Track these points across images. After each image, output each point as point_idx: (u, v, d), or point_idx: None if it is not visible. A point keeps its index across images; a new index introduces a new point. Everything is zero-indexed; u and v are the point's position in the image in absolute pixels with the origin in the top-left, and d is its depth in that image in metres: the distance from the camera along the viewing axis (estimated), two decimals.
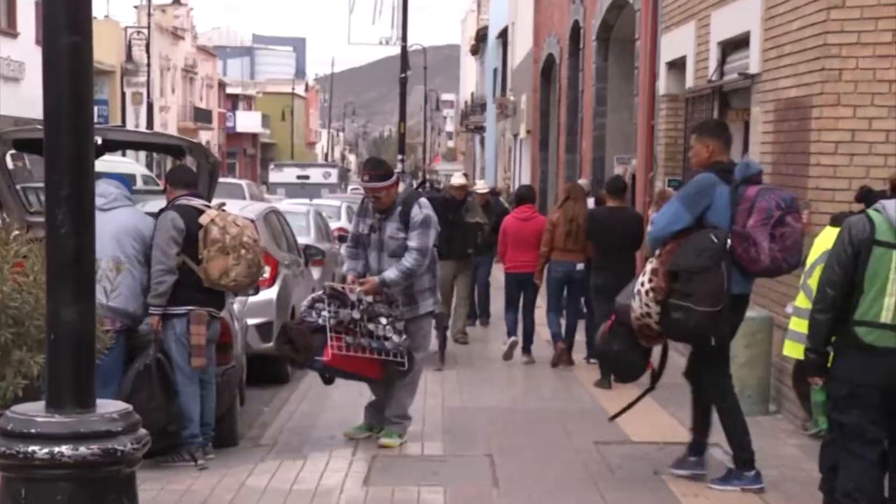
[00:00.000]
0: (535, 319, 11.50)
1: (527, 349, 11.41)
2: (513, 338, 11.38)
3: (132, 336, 7.13)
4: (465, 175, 15.59)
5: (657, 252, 6.53)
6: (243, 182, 27.16)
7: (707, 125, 7.12)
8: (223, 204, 7.45)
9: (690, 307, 6.34)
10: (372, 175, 7.67)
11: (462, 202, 12.18)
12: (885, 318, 5.34)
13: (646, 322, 6.47)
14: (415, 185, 12.16)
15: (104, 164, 12.96)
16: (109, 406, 3.31)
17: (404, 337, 7.49)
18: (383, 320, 7.41)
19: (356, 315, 7.36)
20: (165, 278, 7.01)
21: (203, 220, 7.03)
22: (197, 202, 7.19)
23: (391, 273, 7.49)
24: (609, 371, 7.11)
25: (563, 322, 11.19)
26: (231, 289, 7.19)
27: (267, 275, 9.86)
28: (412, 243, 7.54)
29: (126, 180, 7.88)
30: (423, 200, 7.77)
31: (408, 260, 7.50)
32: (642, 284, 6.44)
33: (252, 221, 8.31)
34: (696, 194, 6.48)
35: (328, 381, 7.93)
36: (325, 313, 7.38)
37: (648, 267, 6.49)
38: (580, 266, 10.86)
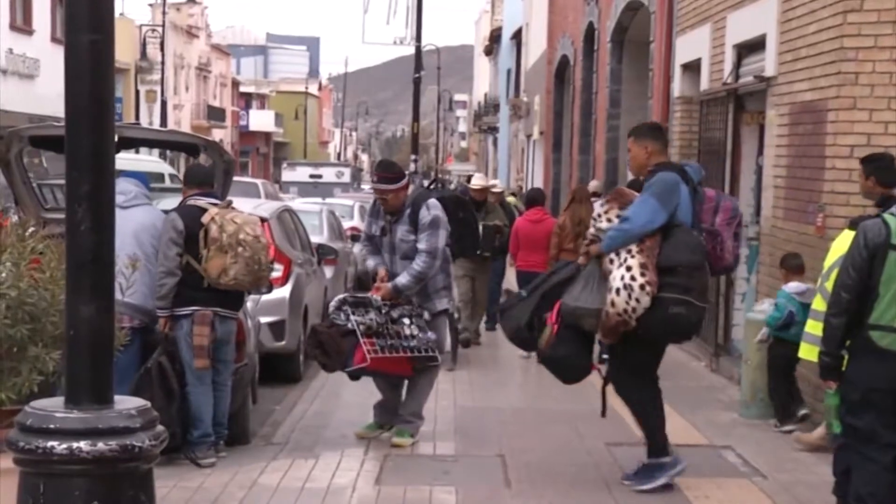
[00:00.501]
0: None
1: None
2: None
3: (149, 335, 7.15)
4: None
5: (633, 248, 6.37)
6: (258, 181, 27.21)
7: (644, 128, 7.08)
8: (230, 202, 7.44)
9: (693, 302, 6.40)
10: (381, 177, 7.72)
11: (482, 203, 12.23)
12: None
13: (625, 318, 6.36)
14: (426, 185, 11.97)
15: (133, 162, 13.03)
16: (127, 402, 3.33)
17: (430, 332, 7.58)
18: (406, 320, 7.52)
19: (381, 319, 7.46)
20: (166, 280, 7.02)
21: (205, 219, 7.02)
22: (204, 201, 7.17)
23: (403, 278, 7.58)
24: (555, 374, 7.01)
25: None
26: (232, 287, 7.08)
27: (280, 273, 9.89)
28: (421, 245, 7.56)
29: (145, 178, 7.88)
30: (432, 201, 7.76)
31: (418, 263, 7.54)
32: (633, 279, 6.32)
33: (265, 220, 8.34)
34: (669, 192, 6.49)
35: (356, 378, 7.93)
36: (353, 318, 7.46)
37: (634, 262, 6.34)
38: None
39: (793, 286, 8.32)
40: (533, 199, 12.81)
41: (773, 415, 8.49)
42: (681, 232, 6.49)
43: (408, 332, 7.51)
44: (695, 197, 6.63)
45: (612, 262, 6.44)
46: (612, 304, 6.35)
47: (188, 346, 7.06)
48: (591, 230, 6.65)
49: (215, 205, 7.15)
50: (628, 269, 6.37)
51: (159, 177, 14.33)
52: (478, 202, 12.24)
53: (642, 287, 6.32)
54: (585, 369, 6.93)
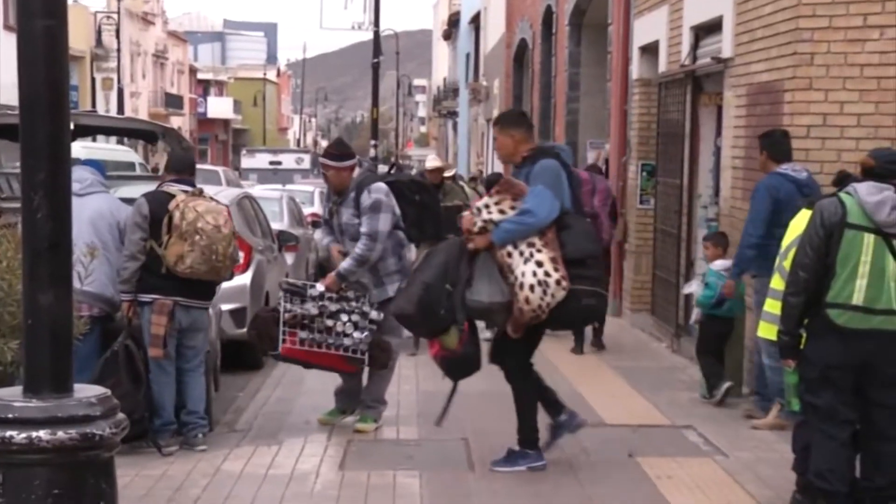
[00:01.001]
0: None
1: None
2: None
3: (109, 323, 7.10)
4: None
5: (536, 242, 6.34)
6: (220, 168, 27.06)
7: (507, 116, 7.13)
8: (201, 190, 7.39)
9: (601, 292, 6.53)
10: (327, 152, 7.83)
11: (438, 185, 11.91)
12: (857, 300, 5.40)
13: (539, 314, 6.33)
14: (387, 170, 11.84)
15: (101, 152, 13.00)
16: (87, 391, 3.30)
17: (366, 333, 7.46)
18: (344, 317, 7.42)
19: (314, 311, 7.38)
20: (128, 264, 6.99)
21: (171, 205, 6.98)
22: (176, 188, 7.13)
23: (345, 263, 7.55)
24: (458, 373, 7.04)
25: None
26: (189, 276, 6.99)
27: (241, 261, 9.85)
28: (363, 228, 7.55)
29: (101, 166, 7.79)
30: (375, 185, 7.65)
31: (358, 247, 7.52)
32: (547, 275, 6.26)
33: (225, 207, 8.27)
34: (557, 180, 6.51)
35: (308, 366, 7.92)
36: (284, 304, 7.44)
37: (544, 257, 6.30)
38: None
39: (719, 263, 8.55)
40: (492, 182, 12.94)
41: (702, 388, 8.68)
42: (575, 221, 6.54)
43: (340, 328, 7.41)
44: (571, 181, 6.67)
45: (510, 255, 6.35)
46: (527, 300, 6.28)
47: (148, 334, 7.03)
48: (479, 221, 6.45)
49: (186, 192, 7.09)
50: (539, 264, 6.30)
51: (130, 166, 14.29)
52: (434, 184, 12.05)
53: (558, 282, 6.30)
54: (479, 364, 6.94)
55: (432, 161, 13.18)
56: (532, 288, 6.27)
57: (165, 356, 7.03)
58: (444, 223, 11.45)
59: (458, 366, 6.85)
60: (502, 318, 6.50)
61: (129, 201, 8.12)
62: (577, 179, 6.80)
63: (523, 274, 6.29)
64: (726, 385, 8.47)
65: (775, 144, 7.90)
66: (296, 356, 7.56)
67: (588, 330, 10.98)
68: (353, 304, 7.49)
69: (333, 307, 7.43)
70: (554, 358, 10.68)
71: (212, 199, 7.27)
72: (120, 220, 7.16)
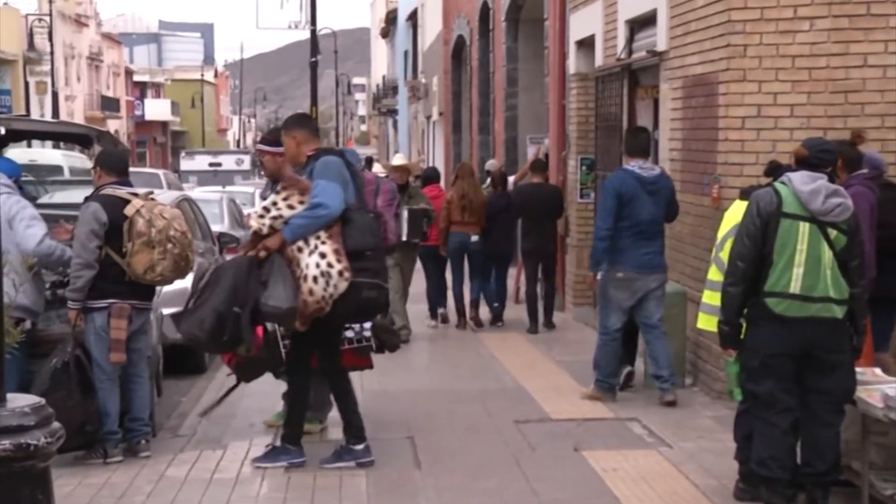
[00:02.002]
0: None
1: (434, 314, 12.51)
2: (441, 309, 12.52)
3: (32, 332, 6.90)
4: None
5: (322, 234, 6.45)
6: (160, 171, 26.74)
7: (290, 120, 7.23)
8: (151, 192, 7.26)
9: (381, 284, 6.68)
10: (263, 138, 7.77)
11: (403, 187, 11.25)
12: (794, 288, 5.46)
13: (323, 305, 6.40)
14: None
15: (35, 155, 12.76)
16: (21, 400, 3.25)
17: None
18: None
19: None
20: (83, 273, 6.78)
21: (128, 210, 6.81)
22: (123, 191, 6.96)
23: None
24: (252, 376, 7.20)
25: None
26: (157, 283, 6.99)
27: None
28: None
29: (11, 167, 7.55)
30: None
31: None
32: (330, 266, 6.37)
33: None
34: (340, 175, 6.66)
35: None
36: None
37: (327, 248, 6.40)
38: (475, 238, 12.01)
39: None
40: (429, 177, 13.50)
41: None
42: (358, 215, 6.68)
43: None
44: (355, 181, 6.83)
45: (300, 249, 6.44)
46: (311, 292, 6.37)
47: (100, 341, 6.85)
48: (267, 221, 6.51)
49: (135, 195, 6.94)
50: (322, 255, 6.41)
51: (57, 169, 14.04)
52: (398, 186, 11.05)
53: (340, 273, 6.40)
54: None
55: (398, 159, 12.55)
56: (315, 279, 6.38)
57: (140, 358, 6.98)
58: (409, 226, 10.86)
59: (248, 368, 7.06)
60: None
61: (66, 206, 7.97)
62: (362, 178, 6.98)
63: (307, 266, 6.41)
64: (627, 370, 8.82)
65: (629, 140, 8.68)
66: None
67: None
68: None
69: None
70: (499, 354, 10.72)
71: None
72: (10, 220, 6.76)
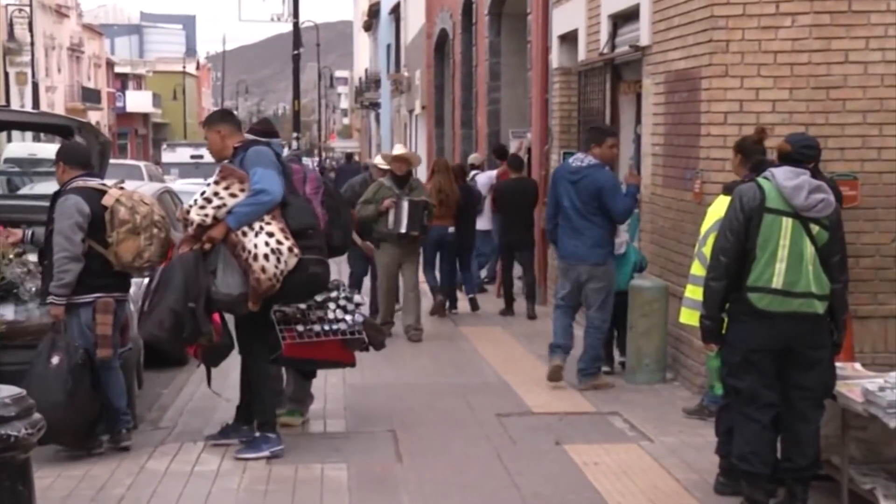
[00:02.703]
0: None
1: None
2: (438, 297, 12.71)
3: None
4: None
5: (265, 216, 6.64)
6: (141, 163, 26.63)
7: (213, 115, 7.43)
8: (121, 182, 7.21)
9: (324, 260, 6.93)
10: (252, 128, 7.71)
11: (404, 179, 10.98)
12: (777, 283, 5.48)
13: (274, 283, 6.58)
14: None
15: (35, 149, 12.69)
16: (1, 391, 3.23)
17: (357, 315, 7.39)
18: (332, 305, 7.32)
19: (301, 305, 7.23)
20: (70, 267, 6.68)
21: (107, 201, 6.75)
22: (95, 182, 6.92)
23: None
24: (214, 363, 7.41)
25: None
26: (145, 269, 6.96)
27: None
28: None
29: None
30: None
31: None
32: (279, 243, 6.57)
33: None
34: (272, 162, 6.82)
35: (309, 366, 7.73)
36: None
37: (274, 228, 6.60)
38: (451, 230, 12.25)
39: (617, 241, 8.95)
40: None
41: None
42: (293, 198, 6.91)
43: (332, 315, 7.30)
44: (284, 169, 6.97)
45: (244, 234, 6.60)
46: (263, 269, 6.55)
47: (84, 336, 6.79)
48: (210, 211, 6.60)
49: (106, 186, 6.89)
50: (270, 234, 6.62)
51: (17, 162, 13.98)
52: (398, 177, 10.98)
53: (290, 249, 6.63)
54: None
55: (398, 149, 11.87)
56: (266, 257, 6.56)
57: (114, 351, 6.89)
58: (408, 219, 10.64)
59: (213, 354, 7.25)
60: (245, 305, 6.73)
61: (41, 197, 7.92)
62: (289, 167, 7.14)
63: (255, 246, 6.57)
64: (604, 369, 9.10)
65: (591, 131, 9.26)
66: (298, 354, 7.34)
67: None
68: (336, 292, 7.41)
69: (319, 298, 7.31)
70: (480, 348, 10.73)
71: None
72: None
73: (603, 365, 9.00)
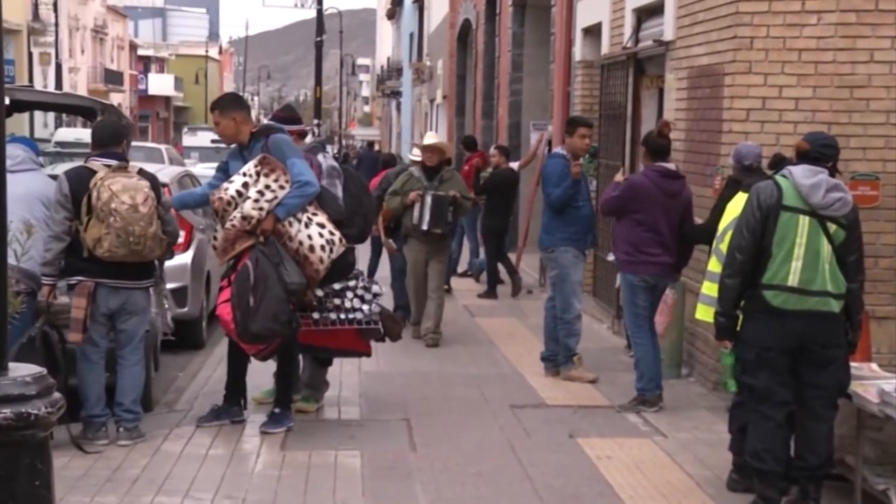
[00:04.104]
0: None
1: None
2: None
3: (35, 301, 6.83)
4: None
5: (309, 206, 6.87)
6: (163, 147, 26.70)
7: (226, 100, 7.41)
8: (125, 164, 6.82)
9: (353, 248, 7.30)
10: (275, 115, 7.93)
11: (435, 170, 10.26)
12: (793, 281, 5.47)
13: (324, 272, 6.84)
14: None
15: (81, 133, 12.80)
16: (23, 370, 3.26)
17: (374, 305, 7.38)
18: (349, 294, 7.33)
19: (319, 293, 7.22)
20: (51, 245, 6.60)
21: (92, 183, 6.55)
22: (99, 163, 6.69)
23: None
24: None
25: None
26: (108, 259, 6.57)
27: (182, 239, 9.75)
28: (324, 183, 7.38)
29: (34, 144, 7.57)
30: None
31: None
32: (332, 234, 6.83)
33: (165, 185, 8.15)
34: (299, 150, 7.07)
35: (325, 353, 7.74)
36: None
37: (322, 219, 6.83)
38: None
39: None
40: (386, 162, 14.84)
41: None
42: (323, 189, 7.04)
43: (349, 305, 7.30)
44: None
45: (290, 224, 6.77)
46: (321, 260, 6.78)
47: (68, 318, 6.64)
48: (265, 205, 6.68)
49: (109, 166, 6.64)
50: (321, 226, 6.84)
51: None
52: (429, 168, 10.28)
53: (340, 240, 6.89)
54: None
55: (430, 137, 10.87)
56: (323, 248, 6.80)
57: (85, 342, 6.62)
58: (430, 215, 9.99)
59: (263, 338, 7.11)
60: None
61: None
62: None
63: (310, 237, 6.78)
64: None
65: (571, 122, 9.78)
66: (313, 341, 7.35)
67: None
68: (354, 281, 7.41)
69: (337, 286, 7.32)
70: (496, 339, 10.74)
71: (140, 172, 6.79)
72: (50, 198, 6.75)
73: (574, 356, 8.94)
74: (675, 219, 7.85)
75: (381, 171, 12.95)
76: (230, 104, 7.18)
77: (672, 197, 7.85)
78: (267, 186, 6.67)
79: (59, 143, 19.04)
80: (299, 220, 6.78)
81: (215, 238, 7.07)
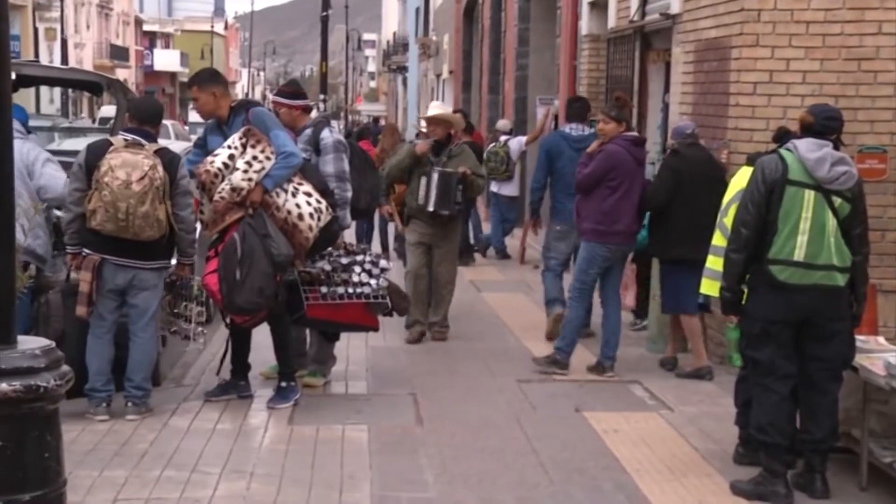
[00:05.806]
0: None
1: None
2: None
3: (38, 277, 6.83)
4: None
5: (295, 176, 6.91)
6: (168, 122, 26.74)
7: (204, 75, 7.37)
8: (138, 140, 6.73)
9: (338, 217, 7.24)
10: (280, 90, 8.04)
11: (443, 144, 9.17)
12: (798, 255, 5.46)
13: (313, 239, 6.88)
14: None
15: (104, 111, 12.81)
16: (31, 343, 3.28)
17: (382, 280, 7.40)
18: (357, 268, 7.35)
19: (327, 267, 7.27)
20: (67, 214, 6.64)
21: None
22: (121, 136, 6.69)
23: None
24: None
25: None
26: (100, 232, 6.49)
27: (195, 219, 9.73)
28: (329, 168, 7.52)
29: (23, 113, 7.46)
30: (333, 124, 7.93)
31: (337, 193, 7.45)
32: (319, 202, 6.87)
33: None
34: (277, 121, 7.15)
35: (332, 328, 7.74)
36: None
37: (308, 188, 6.89)
38: None
39: None
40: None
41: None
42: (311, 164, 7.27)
43: (356, 279, 7.30)
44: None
45: (277, 194, 6.80)
46: (311, 228, 6.83)
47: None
48: (254, 176, 6.70)
49: (126, 140, 6.61)
50: (308, 194, 6.88)
51: None
52: (437, 142, 9.18)
53: (327, 208, 6.94)
54: None
55: (434, 108, 9.67)
56: (311, 216, 6.85)
57: (89, 315, 6.62)
58: (436, 194, 8.90)
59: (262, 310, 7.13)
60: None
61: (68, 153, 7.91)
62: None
63: (298, 206, 6.82)
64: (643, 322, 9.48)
65: (566, 109, 10.01)
66: (320, 315, 7.32)
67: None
68: (362, 256, 7.44)
69: (345, 261, 7.36)
70: (502, 314, 10.75)
71: (159, 151, 6.70)
72: (28, 165, 6.72)
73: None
74: (641, 186, 8.05)
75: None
76: (209, 79, 7.20)
77: (640, 164, 8.09)
78: (254, 157, 6.71)
79: (102, 120, 19.57)
80: (286, 191, 6.83)
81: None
